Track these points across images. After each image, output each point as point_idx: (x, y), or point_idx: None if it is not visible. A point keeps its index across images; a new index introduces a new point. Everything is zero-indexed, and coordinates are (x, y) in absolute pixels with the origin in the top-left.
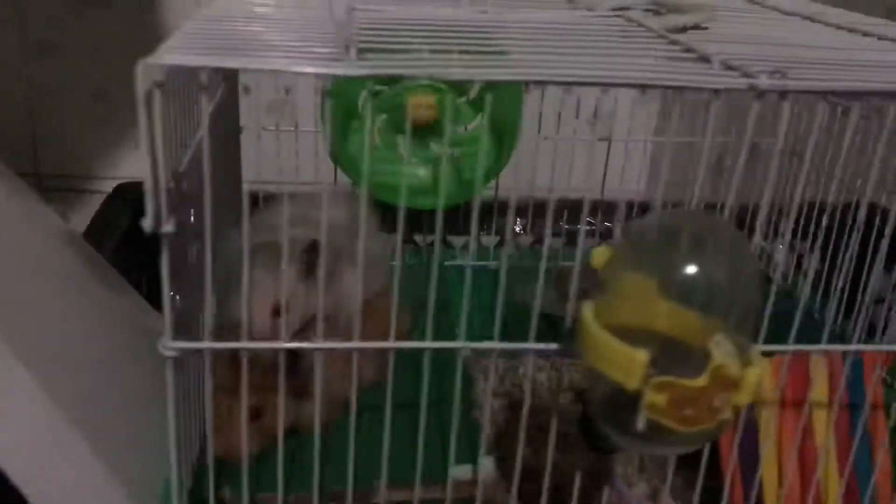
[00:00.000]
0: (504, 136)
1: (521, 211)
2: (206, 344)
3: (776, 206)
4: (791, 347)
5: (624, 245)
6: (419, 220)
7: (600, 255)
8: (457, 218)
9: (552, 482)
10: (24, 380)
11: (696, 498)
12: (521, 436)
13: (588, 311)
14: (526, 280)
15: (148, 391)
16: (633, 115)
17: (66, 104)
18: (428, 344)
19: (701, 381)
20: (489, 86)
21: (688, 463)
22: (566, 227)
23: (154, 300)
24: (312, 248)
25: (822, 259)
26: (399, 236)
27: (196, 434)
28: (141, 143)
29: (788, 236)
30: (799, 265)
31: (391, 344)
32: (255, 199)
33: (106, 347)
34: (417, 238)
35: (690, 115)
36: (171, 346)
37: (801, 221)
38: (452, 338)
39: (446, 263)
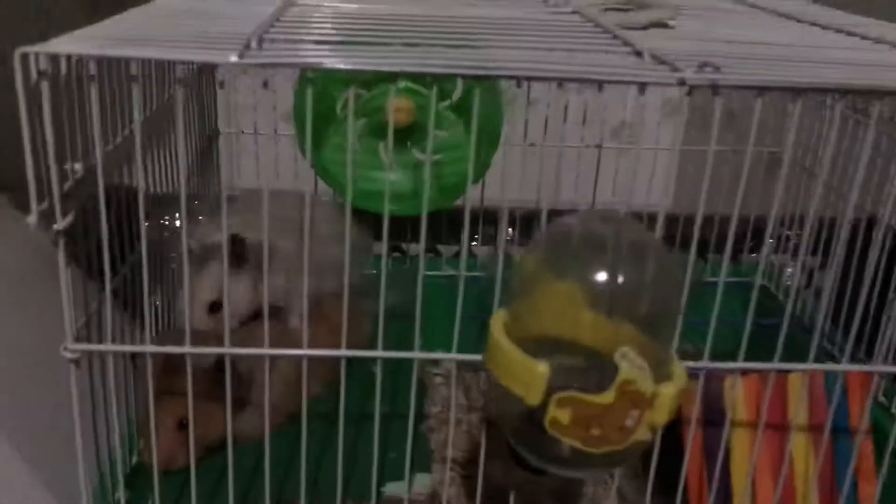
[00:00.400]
0: (483, 140)
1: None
2: (108, 346)
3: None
4: (773, 366)
5: (547, 250)
6: (405, 227)
7: (523, 260)
8: (441, 226)
9: (522, 501)
10: None
11: None
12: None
13: (497, 320)
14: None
15: None
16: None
17: None
18: (379, 353)
19: (607, 396)
20: (475, 85)
21: (666, 487)
22: None
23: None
24: (235, 242)
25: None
26: (385, 244)
27: (125, 447)
28: (24, 136)
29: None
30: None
31: (342, 353)
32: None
33: (43, 353)
34: (404, 246)
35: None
36: (72, 349)
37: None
38: (426, 348)
39: (430, 273)
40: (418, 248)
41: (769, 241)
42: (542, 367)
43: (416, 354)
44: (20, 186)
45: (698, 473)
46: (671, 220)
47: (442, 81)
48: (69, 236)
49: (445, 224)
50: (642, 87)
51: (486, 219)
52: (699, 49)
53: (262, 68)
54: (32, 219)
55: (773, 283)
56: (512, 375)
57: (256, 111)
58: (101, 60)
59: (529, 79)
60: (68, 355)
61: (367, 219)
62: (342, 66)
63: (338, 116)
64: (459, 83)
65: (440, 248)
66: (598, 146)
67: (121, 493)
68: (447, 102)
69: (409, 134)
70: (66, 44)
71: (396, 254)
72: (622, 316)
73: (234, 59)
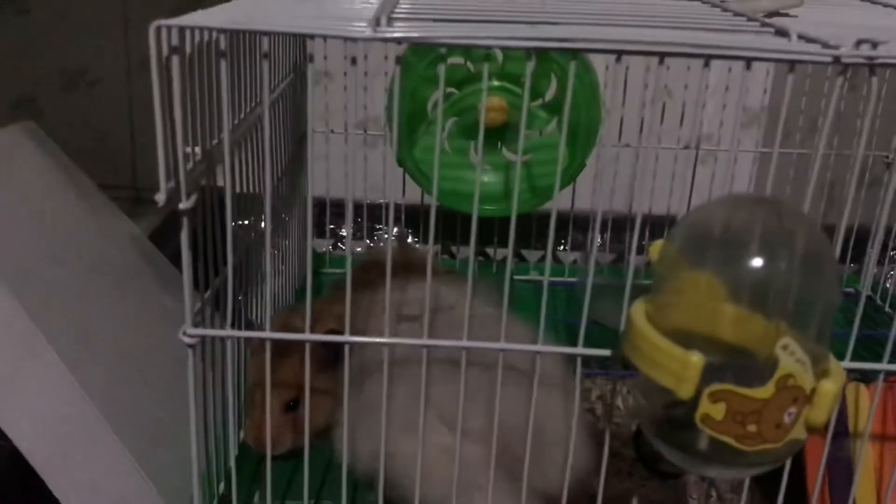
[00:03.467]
0: (577, 139)
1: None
2: (227, 332)
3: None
4: (883, 367)
5: (685, 239)
6: (490, 232)
7: (658, 249)
8: (530, 231)
9: None
10: (54, 365)
11: None
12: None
13: (639, 310)
14: (604, 297)
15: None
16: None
17: None
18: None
19: (765, 390)
20: (564, 81)
21: (769, 495)
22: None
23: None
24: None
25: None
26: (473, 246)
27: (235, 434)
28: (155, 112)
29: None
30: None
31: (463, 343)
32: (322, 207)
33: (148, 343)
34: (489, 251)
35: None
36: (191, 334)
37: None
38: None
39: (517, 277)
40: (504, 251)
41: (871, 249)
42: (697, 358)
43: (539, 347)
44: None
45: (820, 487)
46: None
47: (537, 79)
48: (193, 217)
49: (535, 228)
50: (792, 65)
51: (576, 224)
52: (841, 31)
53: (397, 43)
54: (161, 196)
55: (878, 294)
56: (660, 367)
57: (347, 110)
58: (232, 36)
59: (672, 55)
60: (187, 340)
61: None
62: (472, 42)
63: (428, 117)
64: (553, 81)
65: (525, 252)
66: (697, 147)
67: (233, 479)
68: (540, 101)
69: (501, 134)
70: (199, 18)
71: (481, 258)
72: (769, 309)
73: (369, 32)
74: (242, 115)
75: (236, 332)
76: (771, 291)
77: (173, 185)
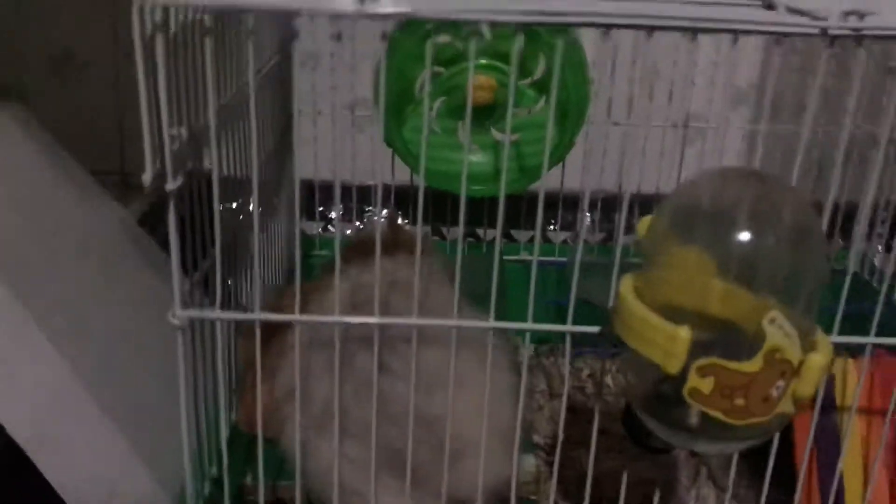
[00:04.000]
0: (567, 118)
1: (589, 204)
2: (216, 314)
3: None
4: (871, 340)
5: (673, 214)
6: (480, 212)
7: (646, 224)
8: (519, 211)
9: (609, 489)
10: (45, 350)
11: None
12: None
13: (628, 286)
14: (594, 276)
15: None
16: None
17: None
18: (492, 324)
19: (753, 364)
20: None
21: (758, 471)
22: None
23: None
24: None
25: None
26: (462, 227)
27: (227, 415)
28: (140, 93)
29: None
30: None
31: (453, 322)
32: (310, 190)
33: (139, 326)
34: (479, 232)
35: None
36: (180, 315)
37: None
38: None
39: (506, 258)
40: (493, 232)
41: (858, 226)
42: (685, 333)
43: (529, 325)
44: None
45: (808, 461)
46: None
47: (526, 58)
48: (179, 199)
49: (524, 208)
50: (779, 38)
51: (566, 203)
52: (830, 4)
53: (383, 19)
54: (147, 177)
55: (866, 270)
56: (648, 342)
57: (336, 90)
58: (217, 15)
59: (659, 28)
60: (176, 322)
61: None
62: (459, 16)
63: (416, 97)
64: (542, 60)
65: (514, 233)
66: (685, 125)
67: (224, 461)
68: (528, 80)
69: (489, 113)
70: None
71: (471, 239)
72: (757, 283)
73: (355, 7)
74: (228, 97)
75: (225, 314)
76: (759, 266)
77: (159, 166)
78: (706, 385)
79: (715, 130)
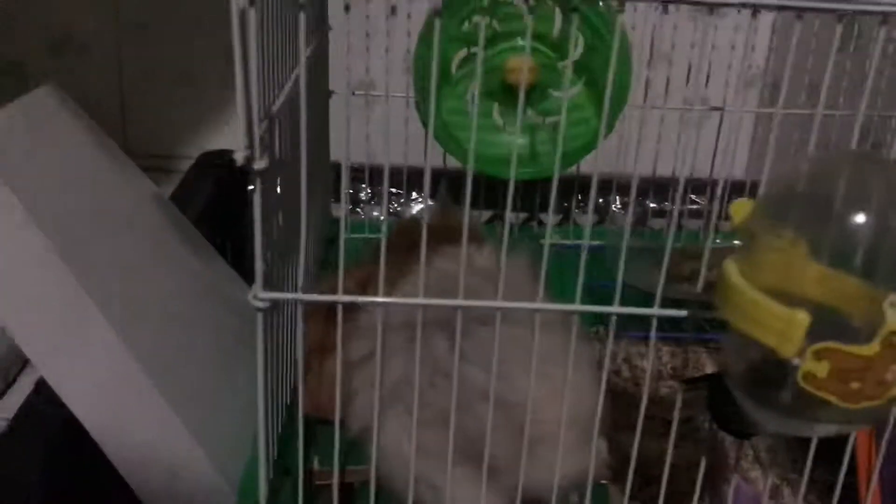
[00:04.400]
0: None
1: (621, 188)
2: (298, 295)
3: None
4: None
5: (768, 197)
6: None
7: (740, 208)
8: (548, 195)
9: (654, 471)
10: (104, 331)
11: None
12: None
13: (733, 269)
14: (634, 260)
15: (230, 356)
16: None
17: (156, 85)
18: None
19: (871, 347)
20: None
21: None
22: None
23: (237, 266)
24: None
25: None
26: (508, 210)
27: (282, 402)
28: (236, 68)
29: None
30: None
31: (536, 305)
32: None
33: (189, 308)
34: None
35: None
36: (262, 297)
37: None
38: None
39: (541, 241)
40: (523, 216)
41: None
42: (802, 316)
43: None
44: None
45: (867, 443)
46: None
47: (563, 39)
48: (265, 178)
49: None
50: (755, 11)
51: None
52: None
53: None
54: (240, 155)
55: None
56: (761, 324)
57: (369, 73)
58: None
59: (672, 1)
60: (258, 304)
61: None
62: None
63: (453, 77)
64: (581, 41)
65: (542, 217)
66: (721, 108)
67: (300, 447)
68: (567, 61)
69: (527, 95)
70: None
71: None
72: (867, 268)
73: None
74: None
75: (307, 296)
76: (872, 250)
77: (248, 143)
78: (822, 369)
79: (729, 113)
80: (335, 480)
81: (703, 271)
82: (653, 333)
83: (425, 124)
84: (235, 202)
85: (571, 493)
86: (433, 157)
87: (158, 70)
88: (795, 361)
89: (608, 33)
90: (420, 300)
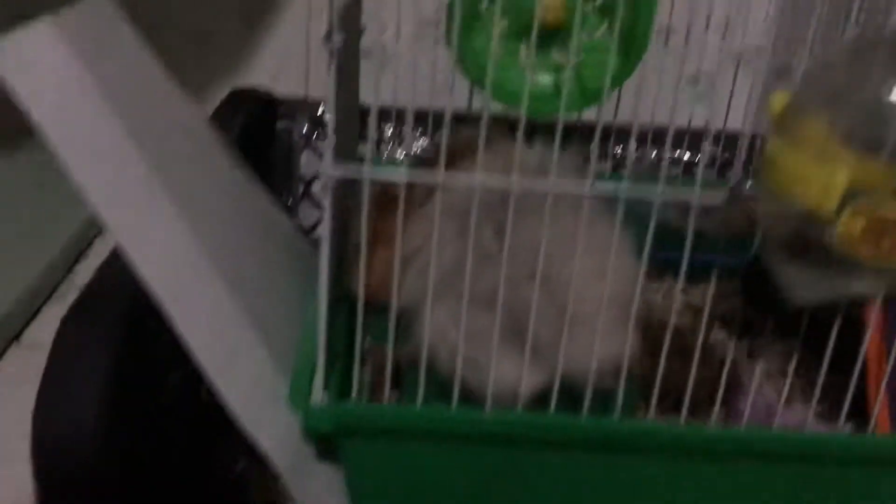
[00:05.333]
0: (631, 43)
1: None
2: (367, 171)
3: None
4: None
5: (804, 84)
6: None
7: (779, 99)
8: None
9: (673, 390)
10: (168, 209)
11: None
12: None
13: (775, 142)
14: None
15: (277, 254)
16: None
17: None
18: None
19: None
20: None
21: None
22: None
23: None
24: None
25: None
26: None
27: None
28: None
29: None
30: None
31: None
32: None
33: (240, 205)
34: None
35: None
36: (331, 174)
37: None
38: None
39: None
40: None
41: None
42: (842, 172)
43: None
44: None
45: (877, 354)
46: None
47: None
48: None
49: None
50: None
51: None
52: None
53: None
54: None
55: None
56: (803, 181)
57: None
58: None
59: None
60: (329, 175)
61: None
62: None
63: (482, 16)
64: None
65: None
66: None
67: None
68: (592, 3)
69: (553, 35)
70: None
71: None
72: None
73: None
74: None
75: (375, 172)
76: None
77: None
78: (856, 226)
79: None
80: (389, 356)
81: None
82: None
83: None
84: (263, 137)
85: (606, 377)
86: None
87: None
88: (833, 223)
89: None
90: (476, 178)
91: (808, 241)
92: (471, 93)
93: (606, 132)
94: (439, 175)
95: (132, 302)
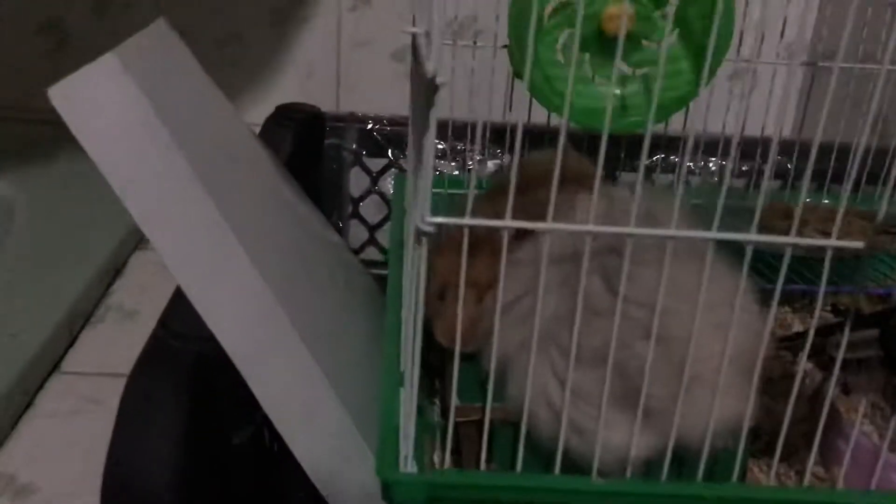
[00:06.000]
0: (703, 52)
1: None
2: (467, 220)
3: None
4: None
5: None
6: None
7: None
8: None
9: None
10: (245, 266)
11: None
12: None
13: None
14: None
15: (345, 301)
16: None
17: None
18: (714, 234)
19: None
20: None
21: None
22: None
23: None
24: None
25: None
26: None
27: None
28: None
29: None
30: None
31: (710, 234)
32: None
33: (305, 245)
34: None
35: None
36: (429, 222)
37: None
38: None
39: None
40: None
41: None
42: None
43: (752, 237)
44: None
45: None
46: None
47: None
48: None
49: (625, 150)
50: None
51: (668, 145)
52: None
53: None
54: (430, 66)
55: None
56: None
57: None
58: None
59: None
60: (426, 228)
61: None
62: None
63: (545, 27)
64: None
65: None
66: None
67: (453, 384)
68: (661, 11)
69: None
70: None
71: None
72: None
73: None
74: None
75: (471, 221)
76: None
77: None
78: None
79: (776, 68)
80: (487, 415)
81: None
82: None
83: (518, 74)
84: (311, 155)
85: (719, 437)
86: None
87: (200, 31)
88: None
89: None
90: (590, 227)
91: None
92: (530, 104)
93: (669, 143)
94: (548, 223)
95: (200, 357)
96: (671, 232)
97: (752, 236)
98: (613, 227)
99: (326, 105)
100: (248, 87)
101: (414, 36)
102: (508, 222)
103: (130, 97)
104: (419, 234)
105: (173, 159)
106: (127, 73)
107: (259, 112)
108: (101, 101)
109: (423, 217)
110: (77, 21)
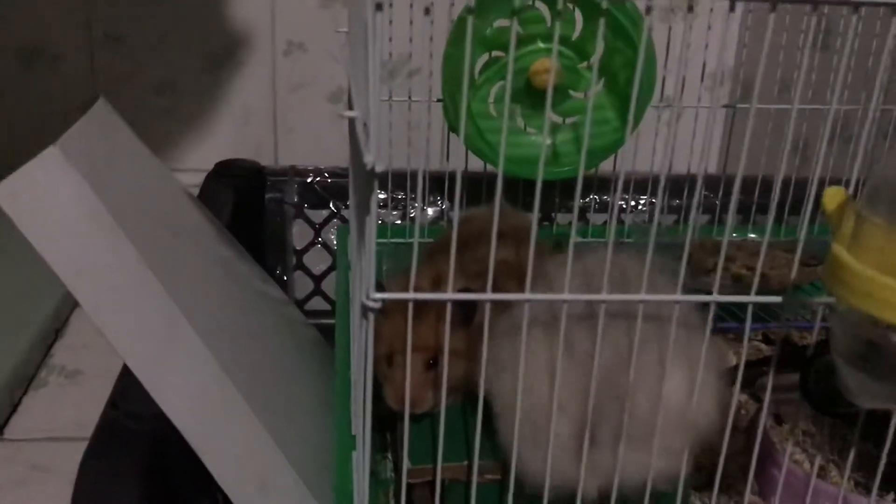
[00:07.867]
0: (629, 103)
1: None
2: (411, 294)
3: None
4: None
5: (869, 187)
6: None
7: (832, 197)
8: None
9: (705, 460)
10: (194, 343)
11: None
12: None
13: (841, 251)
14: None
15: (292, 361)
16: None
17: (132, 95)
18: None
19: None
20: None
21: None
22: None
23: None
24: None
25: None
26: (535, 212)
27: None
28: (369, 66)
29: None
30: None
31: (679, 297)
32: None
33: (251, 316)
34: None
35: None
36: (374, 297)
37: None
38: None
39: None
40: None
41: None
42: None
43: (714, 297)
44: None
45: None
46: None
47: (583, 40)
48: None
49: (558, 192)
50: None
51: (600, 186)
52: None
53: None
54: (370, 157)
55: None
56: (877, 300)
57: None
58: None
59: None
60: (371, 304)
61: None
62: None
63: (476, 83)
64: (600, 42)
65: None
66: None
67: (404, 446)
68: (586, 63)
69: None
70: None
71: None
72: None
73: None
74: None
75: (417, 295)
76: None
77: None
78: None
79: (698, 110)
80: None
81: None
82: (748, 321)
83: (452, 128)
84: (252, 210)
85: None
86: (452, 162)
87: (134, 79)
88: None
89: (634, 33)
90: (565, 296)
91: (879, 349)
92: (466, 154)
93: (601, 183)
94: (525, 293)
95: (154, 435)
96: (639, 297)
97: (715, 297)
98: (587, 296)
99: (265, 148)
100: (184, 134)
101: (351, 120)
102: (451, 295)
103: (75, 189)
104: (365, 309)
105: (120, 247)
106: (70, 165)
107: (196, 159)
108: (46, 196)
109: (369, 294)
110: (5, 75)
